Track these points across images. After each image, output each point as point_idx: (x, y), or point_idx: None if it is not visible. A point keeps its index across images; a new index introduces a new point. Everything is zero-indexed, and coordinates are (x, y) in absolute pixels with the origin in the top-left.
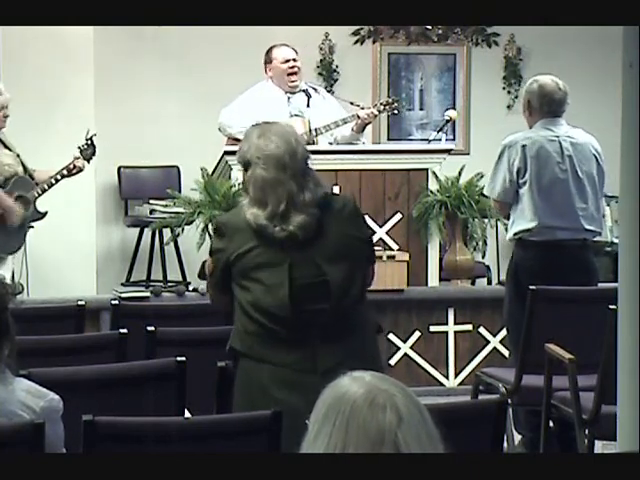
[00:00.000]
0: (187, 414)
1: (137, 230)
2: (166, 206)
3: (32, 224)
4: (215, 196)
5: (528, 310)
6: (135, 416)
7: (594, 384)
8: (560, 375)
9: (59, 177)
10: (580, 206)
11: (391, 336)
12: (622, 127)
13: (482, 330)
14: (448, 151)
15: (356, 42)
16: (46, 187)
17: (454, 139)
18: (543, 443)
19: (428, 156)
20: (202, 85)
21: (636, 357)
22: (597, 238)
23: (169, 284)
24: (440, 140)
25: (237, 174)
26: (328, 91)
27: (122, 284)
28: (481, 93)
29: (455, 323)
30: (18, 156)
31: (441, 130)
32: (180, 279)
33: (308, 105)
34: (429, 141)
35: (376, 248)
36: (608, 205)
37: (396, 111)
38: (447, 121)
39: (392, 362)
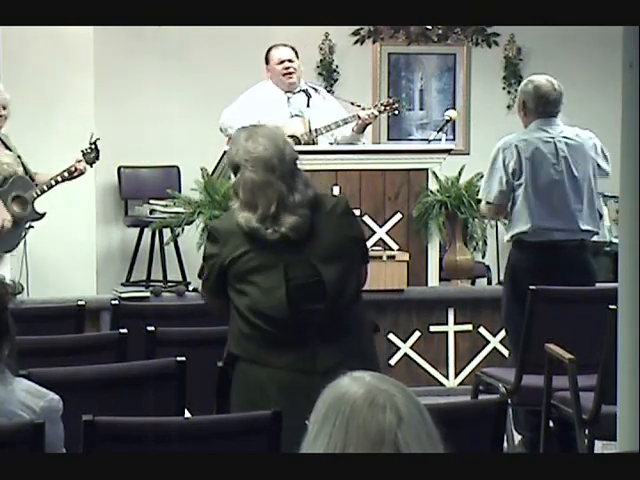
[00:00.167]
0: (187, 414)
1: (137, 230)
2: (166, 206)
3: (31, 224)
4: (215, 196)
5: (528, 310)
6: (135, 416)
7: (594, 384)
8: (560, 375)
9: (59, 179)
10: (576, 207)
11: (391, 336)
12: (622, 127)
13: (482, 330)
14: (448, 151)
15: (356, 42)
16: (45, 188)
17: (454, 139)
18: (543, 443)
19: (428, 156)
20: (202, 85)
21: (636, 357)
22: (595, 238)
23: (169, 284)
24: (440, 140)
25: None
26: (328, 91)
27: (122, 284)
28: (481, 93)
29: (455, 323)
30: (19, 157)
31: (441, 130)
32: (180, 279)
33: (308, 105)
34: (429, 141)
35: (376, 248)
36: (606, 205)
37: (396, 112)
38: (447, 121)
39: (392, 362)
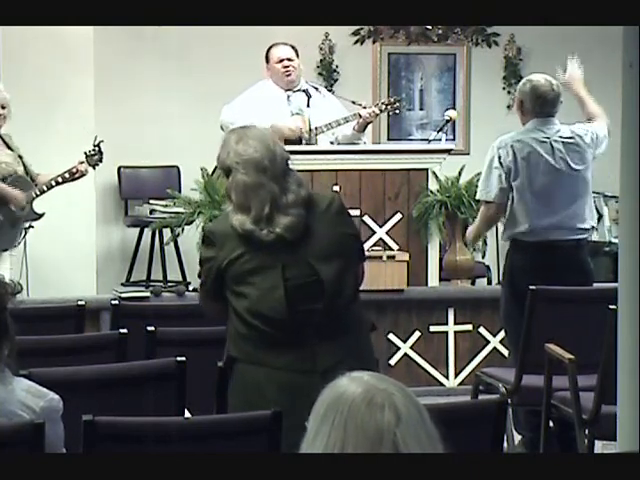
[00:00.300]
0: (187, 414)
1: (137, 230)
2: (166, 206)
3: (31, 224)
4: (215, 196)
5: (528, 310)
6: (135, 416)
7: (594, 384)
8: (560, 375)
9: (60, 180)
10: (573, 206)
11: (391, 336)
12: (622, 127)
13: (482, 330)
14: (448, 151)
15: (356, 42)
16: (45, 188)
17: (454, 139)
18: (543, 443)
19: (428, 156)
20: (202, 85)
21: (636, 357)
22: (595, 238)
23: (169, 284)
24: (440, 140)
25: None
26: (329, 91)
27: (122, 284)
28: (481, 93)
29: (455, 323)
30: (21, 157)
31: (441, 130)
32: (180, 279)
33: (308, 105)
34: (429, 141)
35: (376, 248)
36: (606, 205)
37: (397, 110)
38: (447, 121)
39: (392, 362)
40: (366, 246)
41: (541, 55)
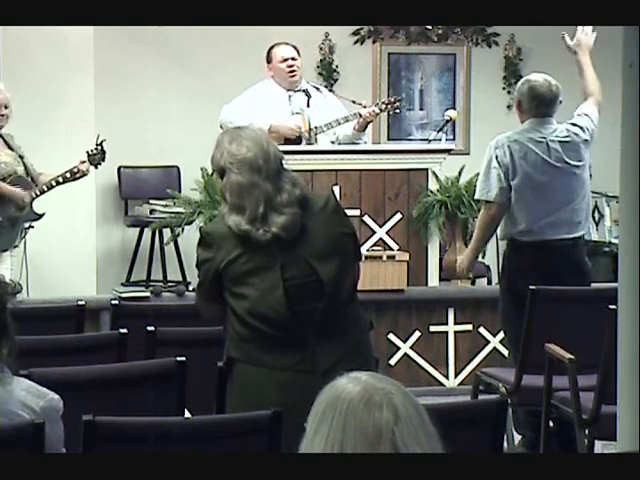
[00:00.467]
0: (187, 414)
1: (137, 230)
2: (166, 206)
3: (31, 224)
4: (215, 196)
5: (528, 310)
6: (135, 416)
7: (594, 384)
8: (560, 375)
9: (61, 180)
10: (570, 206)
11: (391, 336)
12: (622, 127)
13: (482, 330)
14: (448, 151)
15: (356, 42)
16: (45, 189)
17: (454, 139)
18: (543, 443)
19: (428, 156)
20: (202, 85)
21: (636, 357)
22: (595, 238)
23: (169, 284)
24: (440, 140)
25: None
26: (329, 91)
27: (122, 284)
28: (481, 93)
29: (455, 323)
30: (22, 157)
31: (441, 130)
32: (180, 279)
33: (308, 105)
34: (429, 141)
35: (376, 248)
36: (608, 205)
37: (398, 110)
38: (447, 121)
39: (392, 362)
40: (366, 246)
41: (541, 55)
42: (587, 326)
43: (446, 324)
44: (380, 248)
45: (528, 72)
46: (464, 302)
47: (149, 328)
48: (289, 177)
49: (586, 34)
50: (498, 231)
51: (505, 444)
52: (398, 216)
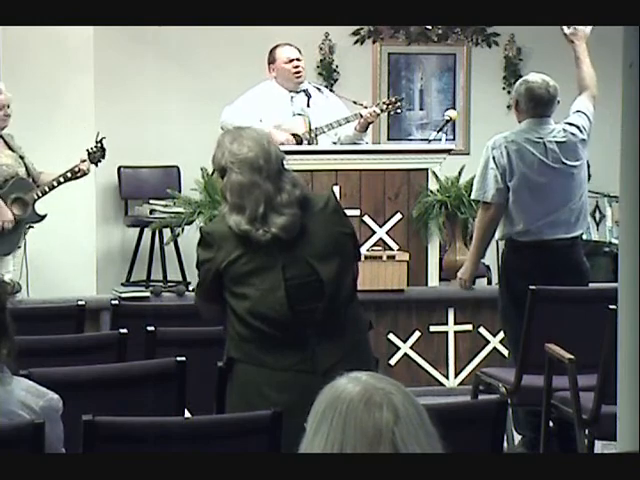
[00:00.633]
0: (187, 414)
1: (137, 230)
2: (166, 206)
3: (31, 224)
4: (215, 196)
5: (528, 310)
6: (135, 416)
7: (594, 384)
8: (560, 375)
9: (62, 180)
10: (567, 206)
11: (391, 336)
12: (622, 127)
13: (482, 330)
14: (448, 151)
15: (356, 42)
16: (47, 189)
17: (454, 139)
18: (543, 443)
19: (428, 156)
20: (202, 85)
21: (636, 357)
22: (596, 238)
23: (169, 284)
24: (440, 140)
25: None
26: (330, 91)
27: (122, 284)
28: (481, 93)
29: (455, 323)
30: (22, 158)
31: (441, 130)
32: (180, 279)
33: (308, 105)
34: (429, 141)
35: (376, 248)
36: (610, 206)
37: (399, 110)
38: (447, 121)
39: (392, 362)
40: (366, 246)
41: (541, 55)
42: (587, 326)
43: (446, 324)
44: (380, 248)
45: (528, 72)
46: (464, 302)
47: (149, 328)
48: (290, 177)
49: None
50: (496, 231)
51: (505, 444)
52: (398, 216)
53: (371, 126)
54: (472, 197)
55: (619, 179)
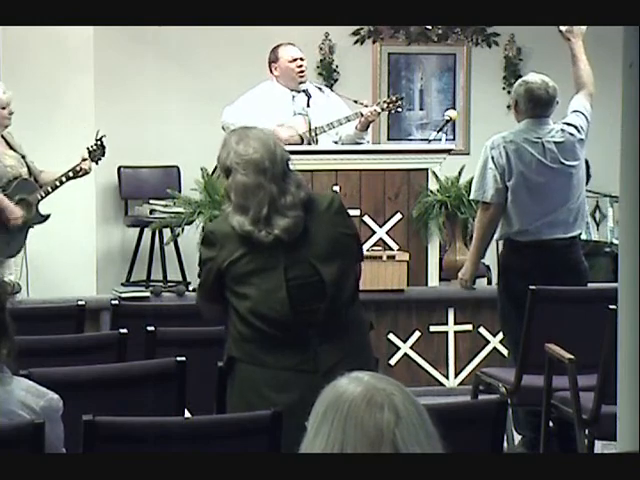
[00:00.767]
0: (187, 414)
1: (137, 230)
2: (166, 206)
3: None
4: (215, 196)
5: (528, 310)
6: (135, 416)
7: (594, 384)
8: (560, 375)
9: (64, 179)
10: (566, 206)
11: (391, 336)
12: (622, 127)
13: (482, 330)
14: (448, 151)
15: (356, 42)
16: (50, 190)
17: (454, 139)
18: (543, 443)
19: (428, 156)
20: (202, 85)
21: (636, 357)
22: (596, 238)
23: (169, 284)
24: (440, 140)
25: None
26: (331, 90)
27: (122, 284)
28: (481, 93)
29: (455, 323)
30: (24, 158)
31: (441, 130)
32: (180, 279)
33: (308, 105)
34: (429, 141)
35: (376, 248)
36: (612, 206)
37: (399, 109)
38: (447, 121)
39: (392, 362)
40: (366, 246)
41: (541, 55)
42: (587, 326)
43: (446, 324)
44: (380, 248)
45: (528, 72)
46: (464, 302)
47: (149, 328)
48: (294, 179)
49: None
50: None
51: (505, 444)
52: (398, 216)
53: (371, 126)
54: (471, 197)
55: (619, 179)
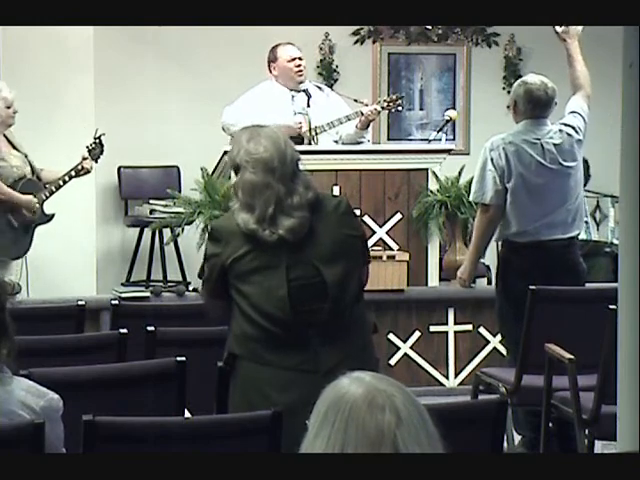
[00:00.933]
0: (187, 414)
1: (137, 230)
2: (166, 206)
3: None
4: (215, 196)
5: (528, 310)
6: (135, 416)
7: (594, 384)
8: (560, 375)
9: (67, 179)
10: (564, 206)
11: (391, 336)
12: (622, 127)
13: (482, 330)
14: (448, 151)
15: (356, 42)
16: (54, 189)
17: (454, 139)
18: (543, 443)
19: (428, 156)
20: (202, 85)
21: (636, 357)
22: (596, 238)
23: (169, 284)
24: (440, 140)
25: None
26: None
27: (122, 284)
28: (481, 93)
29: (455, 323)
30: (26, 156)
31: (441, 130)
32: (180, 279)
33: (308, 105)
34: (429, 141)
35: (376, 248)
36: (613, 206)
37: (400, 108)
38: (447, 121)
39: (392, 362)
40: None
41: (541, 55)
42: (587, 326)
43: (446, 324)
44: (380, 248)
45: (528, 72)
46: (464, 302)
47: (149, 328)
48: (303, 179)
49: None
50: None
51: (505, 444)
52: (398, 216)
53: (371, 126)
54: (470, 199)
55: (619, 179)
